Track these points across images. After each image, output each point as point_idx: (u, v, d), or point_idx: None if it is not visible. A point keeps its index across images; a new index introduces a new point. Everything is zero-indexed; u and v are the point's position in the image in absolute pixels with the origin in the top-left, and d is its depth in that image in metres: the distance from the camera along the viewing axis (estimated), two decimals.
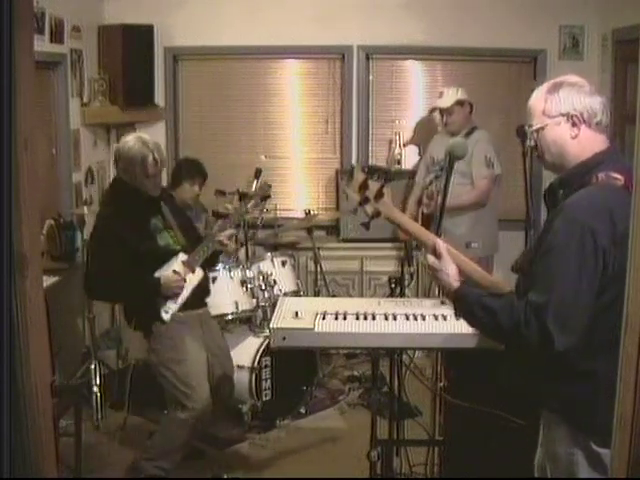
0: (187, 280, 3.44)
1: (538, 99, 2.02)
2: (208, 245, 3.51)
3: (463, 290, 2.05)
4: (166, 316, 3.40)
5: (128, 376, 4.23)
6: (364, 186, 2.12)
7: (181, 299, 3.43)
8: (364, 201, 2.14)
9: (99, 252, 3.39)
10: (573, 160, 1.99)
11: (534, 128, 2.02)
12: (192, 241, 3.56)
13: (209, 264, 3.70)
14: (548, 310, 1.80)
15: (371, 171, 2.27)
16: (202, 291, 3.61)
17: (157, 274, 3.40)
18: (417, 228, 2.26)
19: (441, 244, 2.12)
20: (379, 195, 2.13)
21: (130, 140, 3.40)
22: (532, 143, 2.04)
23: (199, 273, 3.51)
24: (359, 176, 2.14)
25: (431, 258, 2.12)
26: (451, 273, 2.08)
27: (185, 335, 3.45)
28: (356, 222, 5.29)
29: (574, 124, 1.97)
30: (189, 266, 3.46)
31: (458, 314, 2.11)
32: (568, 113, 1.97)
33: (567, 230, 1.86)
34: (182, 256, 3.47)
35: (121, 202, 3.42)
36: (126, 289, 3.40)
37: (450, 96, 4.64)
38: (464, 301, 2.04)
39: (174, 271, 3.42)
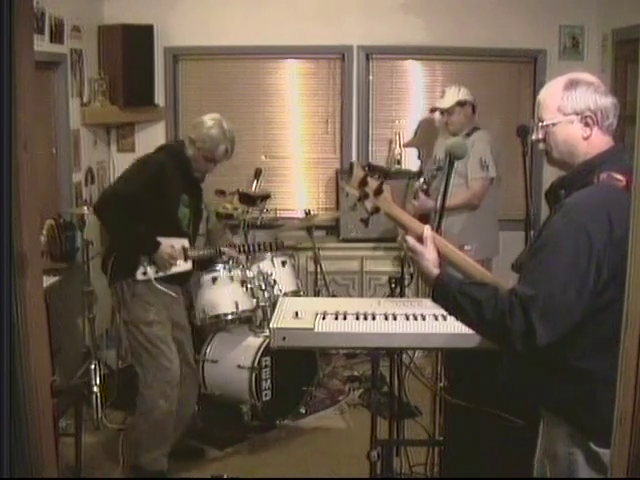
0: (178, 263, 3.58)
1: (553, 94, 1.98)
2: (211, 252, 3.78)
3: (444, 277, 1.99)
4: (140, 276, 3.50)
5: (128, 376, 4.23)
6: (363, 182, 2.10)
7: (161, 272, 3.54)
8: (363, 197, 2.11)
9: (132, 180, 3.47)
10: (581, 159, 1.97)
11: (546, 123, 1.98)
12: (193, 232, 3.74)
13: (200, 265, 3.89)
14: (535, 303, 1.78)
15: (371, 168, 2.24)
16: (182, 277, 3.71)
17: (160, 240, 3.52)
18: (417, 225, 2.19)
19: (428, 232, 2.06)
20: (378, 191, 2.11)
21: (212, 120, 3.50)
22: (540, 137, 2.01)
23: (189, 264, 3.66)
24: (358, 172, 2.12)
25: (411, 240, 2.05)
26: (431, 258, 2.01)
27: (156, 302, 3.55)
28: (356, 220, 5.32)
29: (587, 124, 1.95)
30: (186, 255, 3.62)
31: (437, 302, 2.02)
32: (583, 113, 1.94)
33: (563, 228, 1.86)
34: (185, 242, 3.62)
35: (174, 161, 3.52)
36: (128, 226, 3.47)
37: (451, 96, 4.58)
38: (445, 288, 1.97)
39: (172, 246, 3.54)
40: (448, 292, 1.95)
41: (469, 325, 1.98)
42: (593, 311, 1.83)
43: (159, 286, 3.53)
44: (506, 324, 1.80)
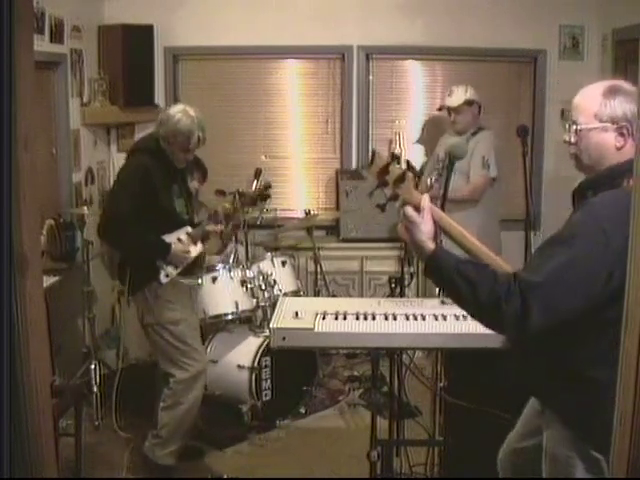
0: (191, 250, 3.63)
1: (591, 99, 1.96)
2: (202, 228, 3.78)
3: (440, 253, 1.93)
4: (164, 279, 3.54)
5: (128, 376, 4.23)
6: (385, 170, 2.10)
7: (181, 267, 3.59)
8: (383, 184, 2.11)
9: (124, 194, 3.47)
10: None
11: (580, 127, 1.96)
12: (191, 214, 3.79)
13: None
14: (537, 289, 1.77)
15: (394, 157, 2.22)
16: (196, 264, 3.76)
17: (166, 238, 3.55)
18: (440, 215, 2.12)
19: (426, 202, 2.00)
20: (399, 179, 2.09)
21: (179, 112, 3.48)
22: (572, 140, 1.98)
23: (199, 247, 3.71)
24: (380, 160, 2.12)
25: (410, 209, 1.99)
26: (426, 230, 1.96)
27: (181, 298, 3.62)
28: (356, 220, 5.34)
29: (622, 134, 1.93)
30: (193, 239, 3.66)
31: (429, 277, 1.99)
32: (619, 122, 1.92)
33: (582, 226, 1.85)
34: (187, 228, 3.66)
35: (153, 158, 3.51)
36: (137, 240, 3.52)
37: (459, 95, 4.66)
38: (441, 265, 1.92)
39: (179, 239, 3.58)
40: (443, 269, 1.91)
41: (461, 304, 1.94)
42: (605, 320, 1.78)
43: (184, 281, 3.61)
44: (501, 308, 1.78)
